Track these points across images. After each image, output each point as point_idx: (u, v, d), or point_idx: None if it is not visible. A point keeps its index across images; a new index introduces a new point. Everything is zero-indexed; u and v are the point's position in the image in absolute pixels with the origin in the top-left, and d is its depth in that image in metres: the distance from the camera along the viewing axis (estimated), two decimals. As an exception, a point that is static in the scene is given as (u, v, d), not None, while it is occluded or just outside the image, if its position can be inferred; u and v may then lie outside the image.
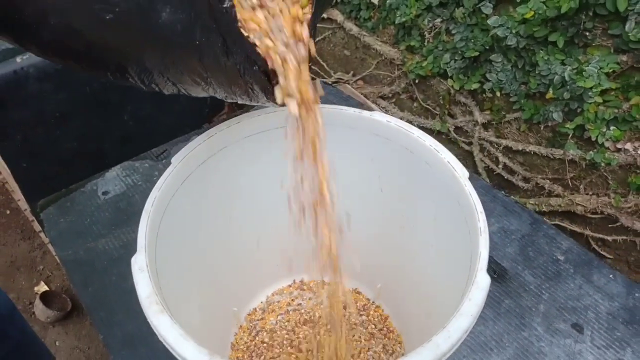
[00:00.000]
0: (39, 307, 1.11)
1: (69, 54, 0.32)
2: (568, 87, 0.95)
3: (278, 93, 0.31)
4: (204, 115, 1.04)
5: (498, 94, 1.10)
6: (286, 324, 0.54)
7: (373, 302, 0.57)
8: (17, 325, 0.58)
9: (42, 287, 1.19)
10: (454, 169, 0.39)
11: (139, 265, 0.33)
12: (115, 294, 0.57)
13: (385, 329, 0.54)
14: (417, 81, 1.30)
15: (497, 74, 1.07)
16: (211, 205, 0.45)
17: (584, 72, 0.92)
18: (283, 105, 0.32)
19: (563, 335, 0.54)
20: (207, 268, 0.46)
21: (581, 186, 1.05)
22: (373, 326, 0.54)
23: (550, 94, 1.00)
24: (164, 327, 0.30)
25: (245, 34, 0.29)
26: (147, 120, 0.99)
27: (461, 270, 0.36)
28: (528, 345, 0.54)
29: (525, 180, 1.14)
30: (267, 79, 0.30)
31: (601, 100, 0.95)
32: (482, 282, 0.32)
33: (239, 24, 0.28)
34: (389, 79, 1.40)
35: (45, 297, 1.13)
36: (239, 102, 0.35)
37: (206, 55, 0.29)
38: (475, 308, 0.31)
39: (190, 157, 0.40)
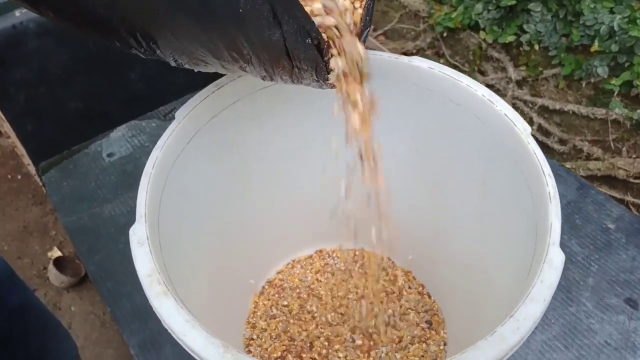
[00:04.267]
0: (52, 273, 1.10)
1: (90, 21, 0.28)
2: (617, 38, 0.86)
3: (336, 63, 0.27)
4: (218, 73, 0.98)
5: (536, 47, 1.01)
6: (310, 295, 0.49)
7: (408, 271, 0.52)
8: (17, 291, 0.55)
9: (56, 253, 1.18)
10: (514, 124, 0.32)
11: (139, 238, 0.27)
12: (123, 263, 0.53)
13: (420, 299, 0.49)
14: (444, 35, 1.20)
15: (535, 25, 0.97)
16: (222, 167, 0.39)
17: (637, 21, 0.82)
18: (332, 87, 0.28)
19: (615, 311, 0.49)
20: (219, 238, 0.41)
21: (624, 148, 0.97)
22: (407, 296, 0.49)
23: (595, 46, 0.90)
24: (168, 311, 0.25)
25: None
26: (156, 78, 0.94)
27: (522, 245, 0.30)
28: (576, 322, 0.49)
29: (562, 142, 1.05)
30: (319, 54, 0.26)
31: (654, 53, 0.86)
32: (556, 259, 0.26)
33: None
34: (413, 33, 1.30)
35: (58, 263, 1.12)
36: (278, 82, 0.30)
37: (249, 26, 0.24)
38: (549, 291, 0.25)
39: (197, 111, 0.34)
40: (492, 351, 0.23)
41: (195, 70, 0.32)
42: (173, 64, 0.31)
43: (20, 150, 1.19)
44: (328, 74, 0.27)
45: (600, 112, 0.97)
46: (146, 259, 0.26)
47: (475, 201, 0.38)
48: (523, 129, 0.32)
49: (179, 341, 0.25)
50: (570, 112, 1.02)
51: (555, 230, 0.27)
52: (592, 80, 0.95)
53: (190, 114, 0.34)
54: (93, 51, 0.86)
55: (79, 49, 0.85)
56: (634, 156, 0.96)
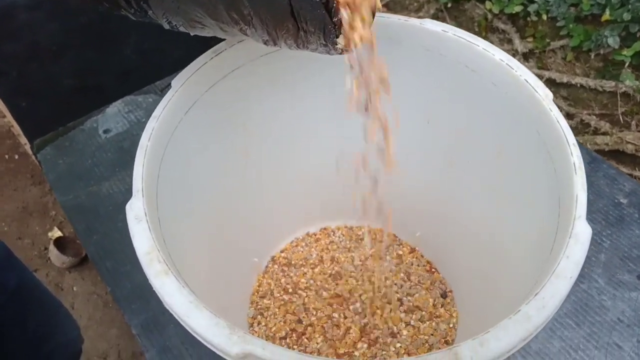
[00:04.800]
0: (53, 253, 1.09)
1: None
2: (629, 6, 0.82)
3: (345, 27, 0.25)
4: (217, 40, 0.95)
5: (544, 17, 0.97)
6: (315, 273, 0.48)
7: (415, 248, 0.50)
8: (15, 272, 0.54)
9: (56, 233, 1.17)
10: (535, 90, 0.30)
11: (136, 214, 0.26)
12: (122, 242, 0.52)
13: (429, 276, 0.47)
14: (449, 5, 1.16)
15: (544, -6, 0.94)
16: (222, 140, 0.37)
17: (652, -13, 0.79)
18: (341, 52, 0.26)
19: (628, 288, 0.48)
20: (221, 215, 0.39)
21: (633, 122, 0.95)
22: (416, 273, 0.48)
23: (606, 15, 0.87)
24: (170, 291, 0.23)
25: None
26: (151, 52, 0.92)
27: (543, 219, 0.28)
28: (588, 299, 0.47)
29: (569, 116, 1.03)
30: (328, 15, 0.24)
31: (668, 22, 0.83)
32: (583, 234, 0.24)
33: None
34: (416, 4, 1.26)
35: (59, 243, 1.11)
36: (281, 47, 0.28)
37: None
38: (575, 268, 0.23)
39: (194, 80, 0.32)
40: (517, 331, 0.21)
41: (192, 34, 0.30)
42: (167, 26, 0.28)
43: (17, 129, 1.17)
44: (337, 37, 0.25)
45: (609, 84, 0.94)
46: (144, 235, 0.25)
47: (490, 174, 0.37)
48: (545, 95, 0.29)
49: (181, 323, 0.23)
50: (578, 85, 0.99)
51: (581, 202, 0.25)
52: (602, 51, 0.92)
53: (187, 82, 0.31)
54: (86, 24, 0.84)
55: (71, 22, 0.83)
56: (643, 130, 0.94)
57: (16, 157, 1.38)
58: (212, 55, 0.33)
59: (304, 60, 0.37)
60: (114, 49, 0.89)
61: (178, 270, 0.25)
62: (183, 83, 0.31)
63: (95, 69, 0.89)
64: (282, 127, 0.42)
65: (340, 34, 0.25)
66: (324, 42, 0.25)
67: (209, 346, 0.22)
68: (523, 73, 0.31)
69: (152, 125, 0.29)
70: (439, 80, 0.37)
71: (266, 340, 0.44)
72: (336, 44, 0.25)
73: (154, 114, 0.30)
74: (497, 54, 0.32)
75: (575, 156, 0.27)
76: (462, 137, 0.38)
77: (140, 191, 0.26)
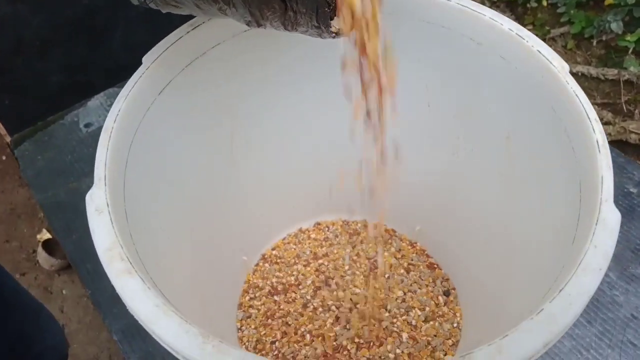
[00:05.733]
0: (42, 256, 1.07)
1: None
2: (634, -11, 0.79)
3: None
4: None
5: (544, 3, 0.94)
6: (309, 272, 0.45)
7: (415, 242, 0.47)
8: None
9: (45, 235, 1.14)
10: (550, 62, 0.27)
11: (97, 205, 0.22)
12: (103, 242, 0.48)
13: (430, 273, 0.44)
14: (446, -6, 1.13)
15: (544, -21, 0.91)
16: (205, 126, 0.34)
17: (657, -31, 0.76)
18: (336, 35, 0.23)
19: (641, 282, 0.45)
20: (203, 209, 0.35)
21: (636, 111, 0.92)
22: (416, 269, 0.44)
23: (609, -1, 0.84)
24: (133, 294, 0.20)
25: None
26: (140, 47, 0.88)
27: (562, 206, 0.25)
28: (599, 294, 0.45)
29: (571, 106, 1.00)
30: None
31: (673, 5, 0.80)
32: (611, 219, 0.21)
33: None
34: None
35: (47, 245, 1.08)
36: (266, 29, 0.24)
37: None
38: (604, 259, 0.20)
39: (169, 56, 0.29)
40: (540, 334, 0.18)
41: (164, 12, 0.27)
42: (135, 2, 0.25)
43: (3, 129, 1.14)
44: (331, 19, 0.22)
45: (611, 72, 0.91)
46: (105, 229, 0.21)
47: (498, 160, 0.33)
48: (561, 67, 0.26)
49: (147, 330, 0.20)
50: (579, 74, 0.96)
51: (607, 184, 0.22)
52: (604, 37, 0.89)
53: (160, 58, 0.28)
54: (72, 17, 0.81)
55: (56, 15, 0.80)
56: (648, 118, 0.91)
57: (3, 157, 1.35)
58: (188, 28, 0.29)
59: (299, 36, 0.34)
60: (102, 43, 0.86)
61: (147, 269, 0.22)
62: (155, 59, 0.28)
63: (83, 64, 0.86)
64: (272, 113, 0.38)
65: (336, 15, 0.22)
66: (317, 24, 0.22)
67: (179, 357, 0.19)
68: (535, 44, 0.27)
69: (118, 106, 0.26)
70: (441, 57, 0.33)
71: (256, 344, 0.40)
72: (330, 26, 0.22)
73: (121, 93, 0.26)
74: (505, 24, 0.29)
75: (598, 132, 0.23)
76: (467, 119, 0.35)
77: (103, 179, 0.23)
